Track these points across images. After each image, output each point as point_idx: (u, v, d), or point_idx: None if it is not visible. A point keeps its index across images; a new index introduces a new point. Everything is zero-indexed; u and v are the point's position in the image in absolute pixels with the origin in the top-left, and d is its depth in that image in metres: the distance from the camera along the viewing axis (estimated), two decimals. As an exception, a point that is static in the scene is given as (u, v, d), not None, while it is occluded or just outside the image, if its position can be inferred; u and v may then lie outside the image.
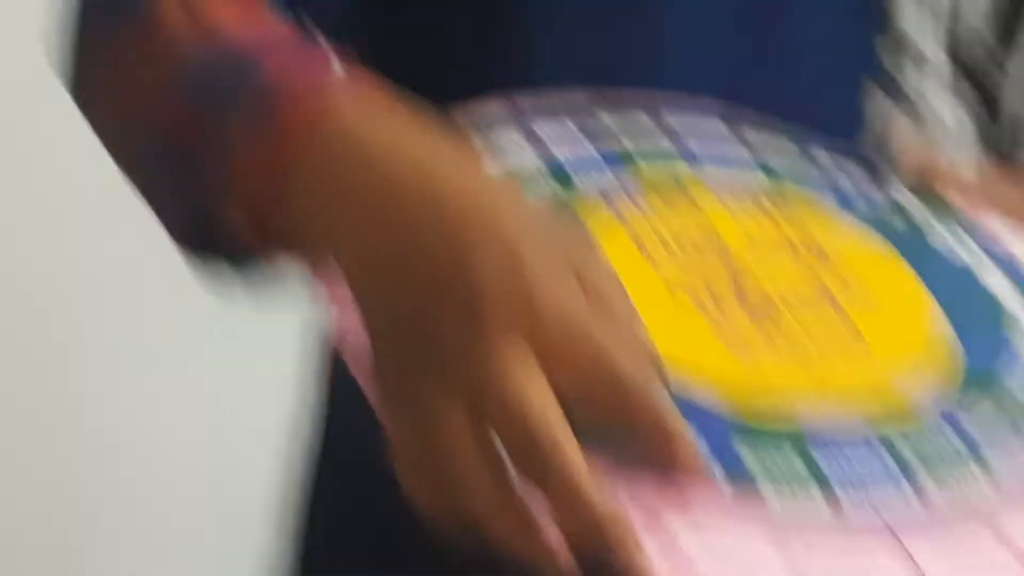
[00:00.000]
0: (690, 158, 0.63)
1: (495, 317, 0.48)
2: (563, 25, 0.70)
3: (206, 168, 0.61)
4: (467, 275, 0.49)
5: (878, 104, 0.73)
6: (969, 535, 0.50)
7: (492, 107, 0.65)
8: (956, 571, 0.48)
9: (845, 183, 0.65)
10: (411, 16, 0.70)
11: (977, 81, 0.74)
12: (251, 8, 0.65)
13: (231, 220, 0.60)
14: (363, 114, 0.57)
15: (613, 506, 0.47)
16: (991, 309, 0.60)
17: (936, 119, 0.73)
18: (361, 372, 0.52)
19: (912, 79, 0.72)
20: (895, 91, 0.73)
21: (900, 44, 0.72)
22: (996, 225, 0.66)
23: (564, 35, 0.70)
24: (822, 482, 0.50)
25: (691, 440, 0.49)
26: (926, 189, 0.67)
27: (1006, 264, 0.63)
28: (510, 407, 0.48)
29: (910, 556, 0.48)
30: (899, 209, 0.65)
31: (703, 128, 0.65)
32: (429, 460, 0.49)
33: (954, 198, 0.67)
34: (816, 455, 0.51)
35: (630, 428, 0.49)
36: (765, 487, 0.49)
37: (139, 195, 0.67)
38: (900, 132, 0.72)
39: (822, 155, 0.67)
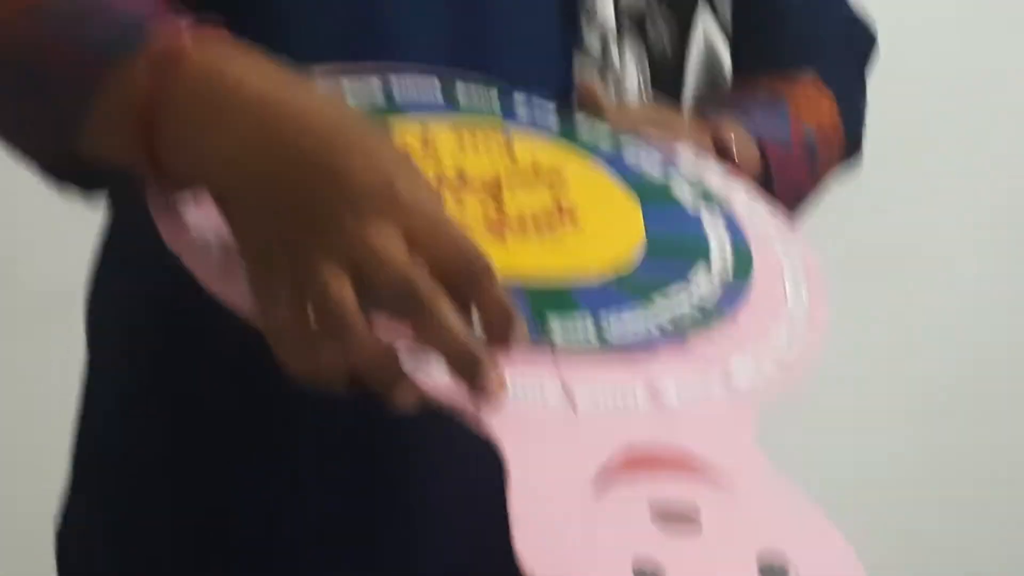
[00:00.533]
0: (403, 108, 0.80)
1: (368, 202, 0.62)
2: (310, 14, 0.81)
3: (72, 91, 0.68)
4: (340, 173, 0.62)
5: (577, 61, 0.87)
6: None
7: None
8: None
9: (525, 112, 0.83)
10: None
11: (640, 32, 0.90)
12: None
13: (89, 144, 0.69)
14: (223, 49, 0.68)
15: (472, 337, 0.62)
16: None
17: (609, 66, 0.88)
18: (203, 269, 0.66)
19: (590, 35, 0.87)
20: (583, 46, 0.87)
21: (587, 11, 0.87)
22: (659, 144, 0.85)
23: (311, 22, 0.81)
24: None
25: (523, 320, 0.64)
26: (590, 113, 0.84)
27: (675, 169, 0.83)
28: (391, 264, 0.61)
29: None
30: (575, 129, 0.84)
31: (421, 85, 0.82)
32: (324, 323, 0.61)
33: (607, 118, 0.84)
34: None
35: (474, 301, 0.62)
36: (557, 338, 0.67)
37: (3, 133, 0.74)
38: (584, 76, 0.87)
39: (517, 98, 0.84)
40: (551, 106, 0.85)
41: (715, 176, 0.84)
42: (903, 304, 2.07)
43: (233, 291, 0.66)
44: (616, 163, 0.82)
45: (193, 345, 0.84)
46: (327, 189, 0.63)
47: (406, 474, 0.83)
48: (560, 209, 0.75)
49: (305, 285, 0.62)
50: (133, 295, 0.87)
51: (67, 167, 0.76)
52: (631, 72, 0.89)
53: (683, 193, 0.81)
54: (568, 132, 0.83)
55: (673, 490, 0.60)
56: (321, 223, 0.62)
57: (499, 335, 0.63)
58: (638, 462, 0.61)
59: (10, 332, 1.85)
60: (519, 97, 0.84)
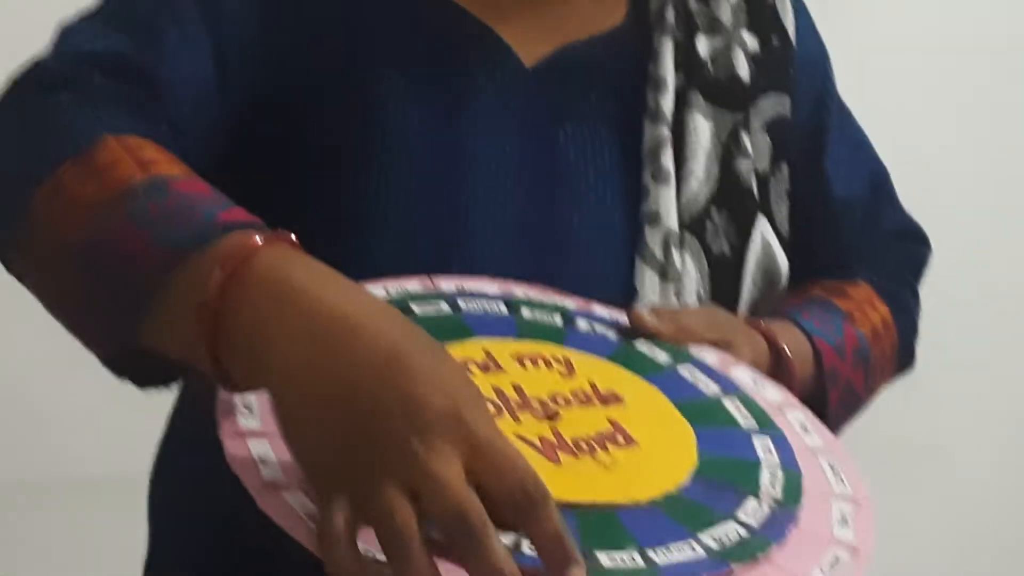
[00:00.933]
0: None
1: (433, 428, 0.62)
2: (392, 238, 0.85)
3: (140, 281, 0.70)
4: (406, 397, 0.63)
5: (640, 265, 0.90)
6: None
7: None
8: None
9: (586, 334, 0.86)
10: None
11: (700, 237, 0.92)
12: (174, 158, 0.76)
13: (150, 337, 0.71)
14: (292, 255, 0.69)
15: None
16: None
17: (671, 269, 0.90)
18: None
19: (652, 239, 0.90)
20: (647, 255, 0.90)
21: (650, 217, 0.90)
22: (714, 357, 0.87)
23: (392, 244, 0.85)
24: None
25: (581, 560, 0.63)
26: (641, 330, 0.86)
27: (731, 386, 0.85)
28: (449, 492, 0.61)
29: None
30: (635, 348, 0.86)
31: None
32: (386, 544, 0.61)
33: (659, 333, 0.86)
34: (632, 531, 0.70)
35: (532, 531, 0.63)
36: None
37: (68, 322, 0.76)
38: (650, 288, 0.90)
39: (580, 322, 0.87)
40: (613, 326, 0.87)
41: (770, 395, 0.86)
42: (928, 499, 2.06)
43: (281, 506, 0.67)
44: (672, 382, 0.83)
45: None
46: (393, 411, 0.63)
47: None
48: (615, 431, 0.77)
49: (367, 504, 0.62)
50: (205, 479, 0.86)
51: (127, 359, 0.77)
52: (691, 275, 0.91)
53: (737, 413, 0.82)
54: (627, 352, 0.85)
55: None
56: (385, 444, 0.63)
57: (556, 568, 0.64)
58: None
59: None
60: (581, 321, 0.86)
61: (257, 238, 0.69)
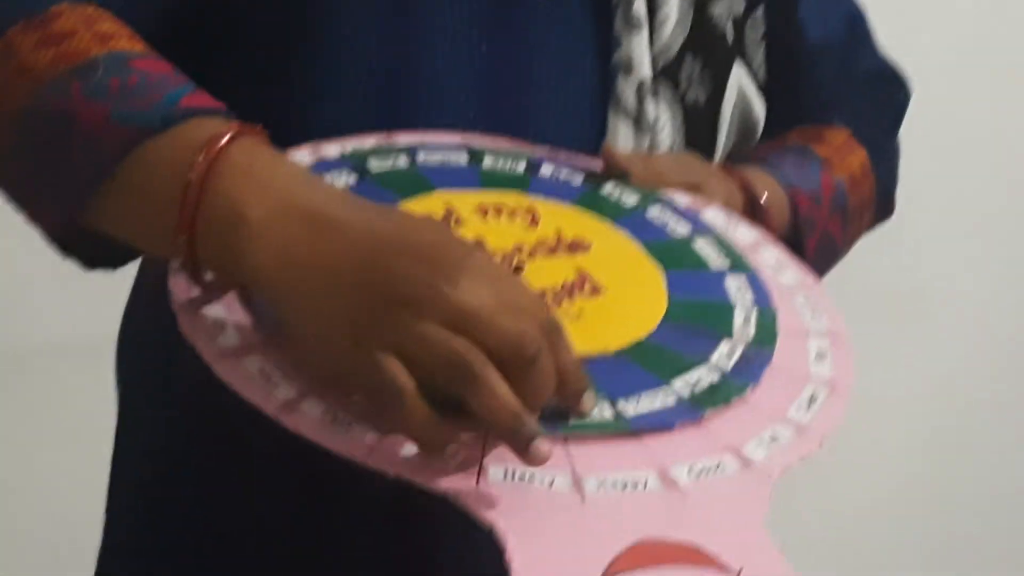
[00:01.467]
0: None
1: (456, 266, 0.62)
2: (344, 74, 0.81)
3: (98, 161, 0.68)
4: (422, 247, 0.63)
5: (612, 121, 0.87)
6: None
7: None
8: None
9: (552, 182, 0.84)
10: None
11: (675, 84, 0.89)
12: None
13: (100, 222, 0.69)
14: (263, 149, 0.68)
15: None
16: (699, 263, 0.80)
17: (643, 117, 0.87)
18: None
19: (626, 87, 0.87)
20: (620, 106, 0.87)
21: (623, 66, 0.87)
22: (685, 200, 0.85)
23: (344, 85, 0.81)
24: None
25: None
26: (615, 176, 0.85)
27: (702, 226, 0.83)
28: (443, 344, 0.61)
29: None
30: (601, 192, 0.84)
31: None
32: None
33: (634, 179, 0.85)
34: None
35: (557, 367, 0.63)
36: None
37: (10, 193, 0.74)
38: (624, 140, 0.87)
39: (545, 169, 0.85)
40: (579, 171, 0.85)
41: (743, 235, 0.84)
42: (914, 348, 2.06)
43: (241, 372, 0.66)
44: (641, 225, 0.82)
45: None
46: (413, 262, 0.63)
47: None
48: (582, 280, 0.75)
49: (418, 350, 0.62)
50: (168, 344, 0.87)
51: (74, 237, 0.75)
52: (665, 125, 0.88)
53: (709, 254, 0.80)
54: (594, 197, 0.83)
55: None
56: (414, 291, 0.62)
57: (572, 395, 0.64)
58: (645, 555, 0.61)
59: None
60: (546, 167, 0.84)
61: (228, 128, 0.68)
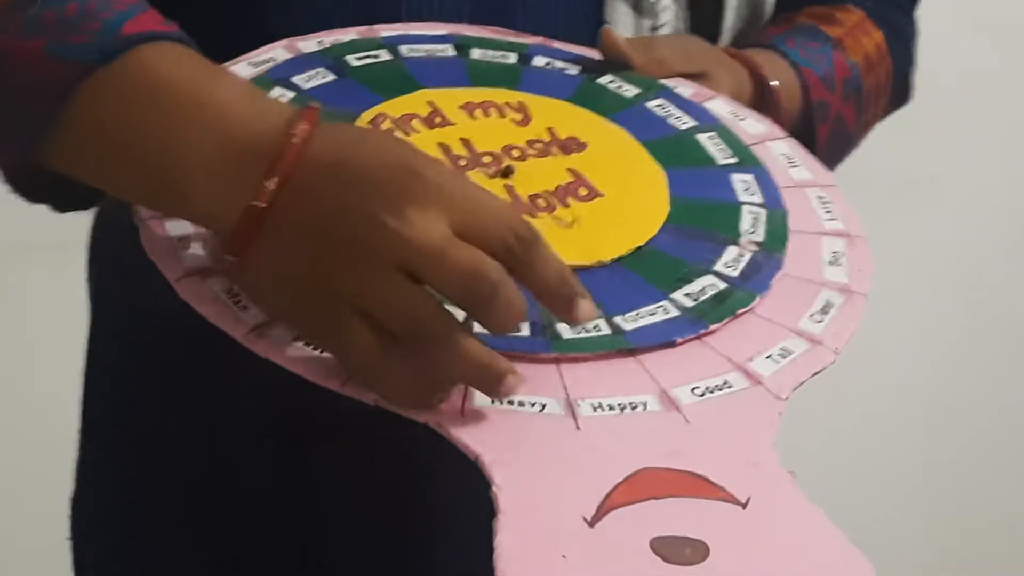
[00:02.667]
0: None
1: (401, 196, 0.56)
2: None
3: (43, 99, 0.62)
4: (358, 173, 0.57)
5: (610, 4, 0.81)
6: None
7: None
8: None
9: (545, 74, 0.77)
10: None
11: None
12: None
13: (54, 164, 0.63)
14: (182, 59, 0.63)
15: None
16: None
17: (647, 5, 0.81)
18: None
19: None
20: None
21: None
22: (689, 90, 0.79)
23: None
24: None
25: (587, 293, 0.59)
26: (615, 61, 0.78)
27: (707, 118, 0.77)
28: (454, 260, 0.56)
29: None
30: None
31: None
32: (414, 340, 0.56)
33: (634, 65, 0.78)
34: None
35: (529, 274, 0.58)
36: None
37: None
38: (623, 24, 0.80)
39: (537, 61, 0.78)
40: (575, 61, 0.79)
41: (751, 127, 0.78)
42: (918, 234, 2.00)
43: (205, 294, 0.61)
44: (641, 118, 0.76)
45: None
46: (351, 202, 0.57)
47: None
48: (577, 182, 0.69)
49: (373, 304, 0.57)
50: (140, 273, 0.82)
51: (36, 181, 0.69)
52: (667, 5, 0.82)
53: (714, 149, 0.75)
54: (590, 90, 0.77)
55: (679, 525, 0.55)
56: (360, 237, 0.56)
57: (565, 308, 0.59)
58: (645, 486, 0.56)
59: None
60: (539, 59, 0.78)
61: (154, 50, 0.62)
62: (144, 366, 0.84)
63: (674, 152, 0.74)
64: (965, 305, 2.06)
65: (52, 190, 0.69)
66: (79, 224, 0.88)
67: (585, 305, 0.59)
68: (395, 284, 0.56)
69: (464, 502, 0.78)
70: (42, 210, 0.74)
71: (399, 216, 0.56)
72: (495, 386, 0.57)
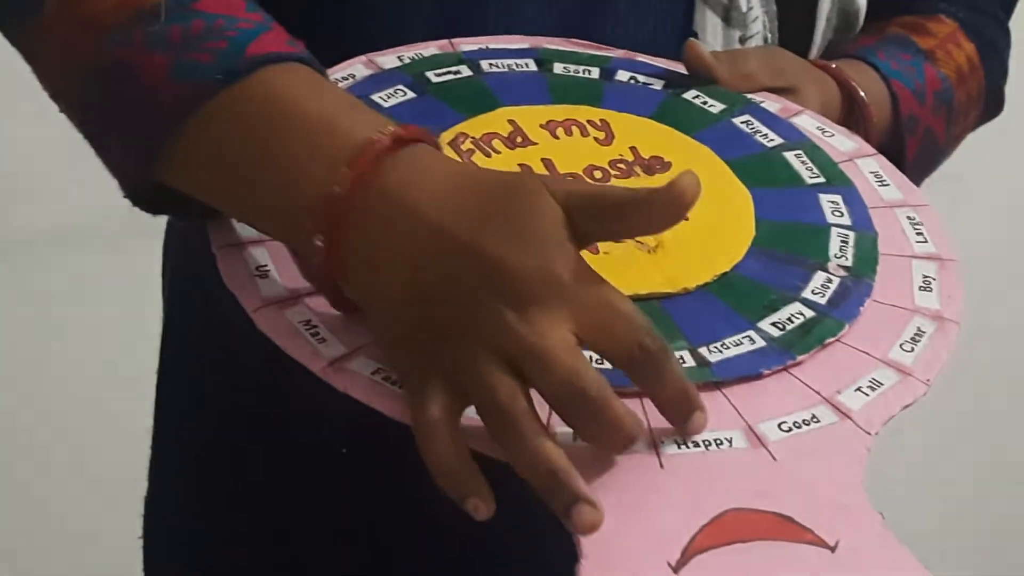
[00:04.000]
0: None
1: (528, 293, 0.55)
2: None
3: (161, 119, 0.62)
4: (491, 259, 0.55)
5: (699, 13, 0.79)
6: None
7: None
8: None
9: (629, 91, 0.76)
10: None
11: None
12: None
13: (171, 181, 0.63)
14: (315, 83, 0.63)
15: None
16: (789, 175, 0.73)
17: (734, 7, 0.79)
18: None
19: None
20: None
21: None
22: (776, 105, 0.78)
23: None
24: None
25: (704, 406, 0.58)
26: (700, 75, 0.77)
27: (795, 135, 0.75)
28: (561, 367, 0.54)
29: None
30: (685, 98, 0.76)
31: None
32: (496, 426, 0.55)
33: (719, 80, 0.77)
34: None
35: (652, 385, 0.57)
36: None
37: (92, 144, 0.68)
38: (712, 34, 0.79)
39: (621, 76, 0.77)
40: (659, 76, 0.77)
41: (839, 144, 0.76)
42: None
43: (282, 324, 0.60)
44: (727, 136, 0.74)
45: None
46: (478, 277, 0.56)
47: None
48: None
49: (464, 384, 0.56)
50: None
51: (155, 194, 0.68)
52: (758, 17, 0.80)
53: (801, 168, 0.73)
54: (674, 106, 0.75)
55: (766, 570, 0.53)
56: (476, 320, 0.55)
57: (680, 419, 0.58)
58: (732, 529, 0.54)
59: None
60: (622, 74, 0.76)
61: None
62: (216, 374, 0.84)
63: (760, 171, 0.72)
64: (994, 301, 2.02)
65: (169, 203, 0.68)
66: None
67: (700, 419, 0.58)
68: (490, 370, 0.55)
69: (533, 520, 0.77)
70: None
71: (520, 313, 0.55)
72: (560, 503, 0.54)
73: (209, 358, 0.84)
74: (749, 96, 0.77)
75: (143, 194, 0.67)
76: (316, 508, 0.82)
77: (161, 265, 0.92)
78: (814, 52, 0.85)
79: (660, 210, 0.58)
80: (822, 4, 0.83)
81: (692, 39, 0.77)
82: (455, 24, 0.76)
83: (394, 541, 0.81)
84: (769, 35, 0.81)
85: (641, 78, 0.77)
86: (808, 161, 0.73)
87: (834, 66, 0.83)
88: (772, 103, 0.78)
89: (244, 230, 0.65)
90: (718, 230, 0.68)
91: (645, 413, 0.59)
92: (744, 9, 0.79)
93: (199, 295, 0.81)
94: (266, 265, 0.63)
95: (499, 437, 0.55)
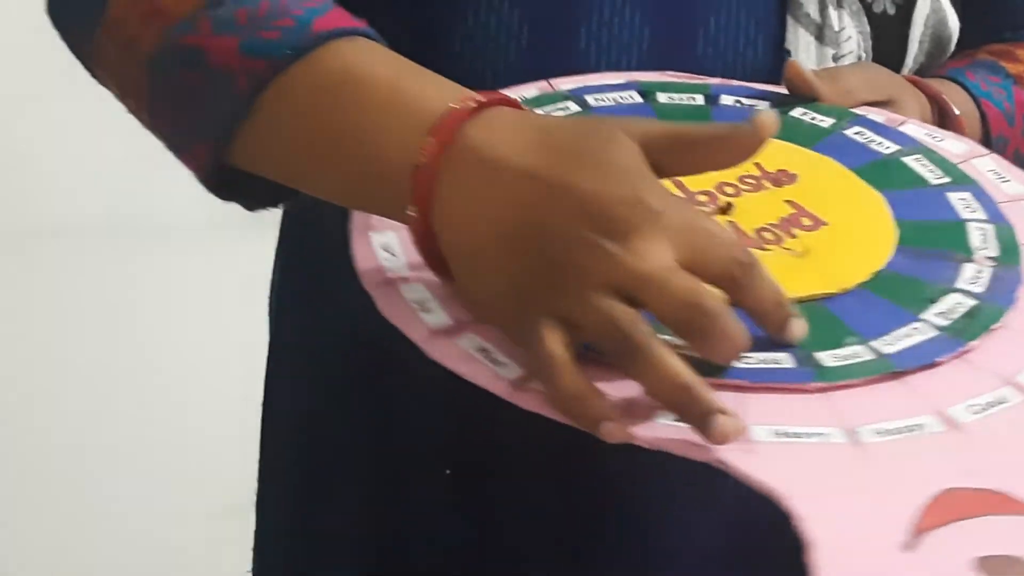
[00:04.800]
0: None
1: (625, 222, 0.55)
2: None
3: (235, 97, 0.63)
4: (584, 195, 0.56)
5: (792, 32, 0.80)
6: None
7: None
8: None
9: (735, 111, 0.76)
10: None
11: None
12: None
13: (245, 162, 0.65)
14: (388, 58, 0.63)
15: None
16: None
17: (827, 26, 0.80)
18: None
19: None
20: (801, 15, 0.79)
21: None
22: (880, 116, 0.78)
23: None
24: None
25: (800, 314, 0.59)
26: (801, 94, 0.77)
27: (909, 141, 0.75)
28: (677, 287, 0.55)
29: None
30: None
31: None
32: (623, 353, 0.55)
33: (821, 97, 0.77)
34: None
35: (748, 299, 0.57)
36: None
37: (160, 138, 0.69)
38: (805, 52, 0.79)
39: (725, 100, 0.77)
40: (762, 97, 0.78)
41: (952, 147, 0.76)
42: None
43: (456, 352, 0.59)
44: (843, 146, 0.74)
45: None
46: (575, 214, 0.56)
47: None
48: (798, 212, 0.67)
49: (581, 320, 0.56)
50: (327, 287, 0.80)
51: (228, 181, 0.70)
52: (852, 36, 0.81)
53: (924, 170, 0.73)
54: (786, 124, 0.74)
55: (997, 543, 0.52)
56: (583, 254, 0.56)
57: (780, 330, 0.59)
58: (953, 507, 0.53)
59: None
60: (726, 98, 0.77)
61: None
62: (326, 381, 0.84)
63: (884, 176, 0.72)
64: None
65: (242, 189, 0.70)
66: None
67: (799, 324, 0.59)
68: (608, 303, 0.55)
69: (643, 538, 0.76)
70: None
71: (623, 243, 0.55)
72: (695, 416, 0.55)
73: (318, 357, 0.85)
74: (854, 110, 0.78)
75: (215, 179, 0.68)
76: (420, 519, 0.81)
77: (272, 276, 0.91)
78: (905, 73, 0.85)
79: (738, 143, 0.60)
80: (915, 26, 0.84)
81: (792, 59, 0.78)
82: (549, 46, 0.76)
83: (496, 562, 0.80)
84: (863, 54, 0.82)
85: (745, 101, 0.77)
86: (928, 163, 0.73)
87: (927, 82, 0.83)
88: (876, 115, 0.78)
89: (391, 262, 0.64)
90: (861, 232, 0.68)
91: (833, 405, 0.58)
92: (836, 28, 0.80)
93: (309, 299, 0.83)
94: (426, 299, 0.62)
95: (629, 364, 0.55)
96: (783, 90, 0.78)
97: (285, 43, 0.63)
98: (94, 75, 0.73)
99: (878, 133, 0.76)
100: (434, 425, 0.79)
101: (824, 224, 0.67)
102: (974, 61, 0.89)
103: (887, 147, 0.74)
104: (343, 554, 0.85)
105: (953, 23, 0.86)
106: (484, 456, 0.79)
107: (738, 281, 0.57)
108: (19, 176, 2.00)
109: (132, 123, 0.72)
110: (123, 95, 0.70)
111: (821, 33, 0.79)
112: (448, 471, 0.80)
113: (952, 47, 0.88)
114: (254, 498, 0.91)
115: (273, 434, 0.90)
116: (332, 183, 0.64)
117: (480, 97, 0.61)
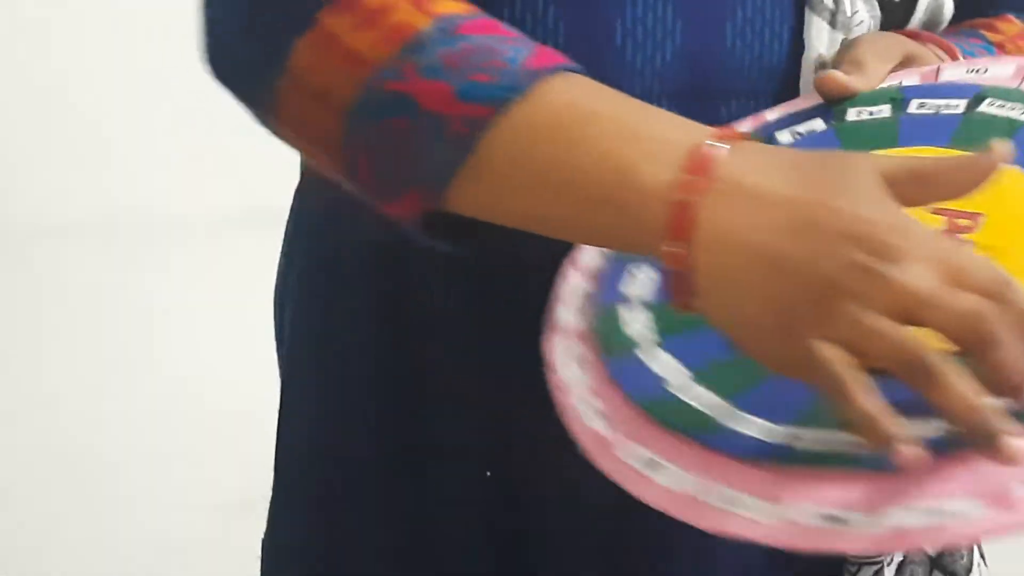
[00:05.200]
0: None
1: (896, 246, 0.57)
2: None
3: (452, 141, 0.63)
4: (849, 223, 0.58)
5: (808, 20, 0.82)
6: None
7: None
8: None
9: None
10: None
11: None
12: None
13: (461, 205, 0.65)
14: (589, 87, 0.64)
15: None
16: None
17: (840, 11, 0.82)
18: None
19: None
20: (816, 3, 0.82)
21: None
22: (914, 77, 0.78)
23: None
24: None
25: None
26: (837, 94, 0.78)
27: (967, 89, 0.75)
28: (947, 300, 0.57)
29: None
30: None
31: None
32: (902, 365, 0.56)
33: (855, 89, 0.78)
34: None
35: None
36: None
37: (357, 188, 0.68)
38: (818, 38, 0.82)
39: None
40: (815, 114, 0.79)
41: (999, 71, 0.78)
42: None
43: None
44: (920, 128, 0.75)
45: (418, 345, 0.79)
46: (843, 236, 0.58)
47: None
48: (948, 215, 0.69)
49: (856, 341, 0.57)
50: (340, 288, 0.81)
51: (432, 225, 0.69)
52: (863, 19, 0.84)
53: (1012, 112, 0.73)
54: (843, 129, 0.77)
55: None
56: (857, 278, 0.57)
57: None
58: None
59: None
60: (783, 134, 0.78)
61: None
62: (345, 388, 0.84)
63: (983, 135, 0.69)
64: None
65: (447, 231, 0.69)
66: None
67: None
68: (893, 327, 0.57)
69: None
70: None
71: (897, 268, 0.57)
72: (986, 436, 0.56)
73: (331, 368, 0.84)
74: (891, 86, 0.79)
75: (423, 225, 0.67)
76: (456, 513, 0.82)
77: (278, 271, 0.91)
78: None
79: (970, 174, 0.61)
80: (918, 11, 0.88)
81: (830, 72, 0.79)
82: (586, 43, 0.77)
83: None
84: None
85: (801, 128, 0.78)
86: (1006, 103, 0.74)
87: (924, 34, 0.86)
88: (911, 77, 0.79)
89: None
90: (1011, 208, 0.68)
91: None
92: (849, 13, 0.82)
93: (332, 292, 0.83)
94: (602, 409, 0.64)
95: (925, 385, 0.56)
96: (812, 100, 0.80)
97: (503, 85, 0.64)
98: (268, 126, 0.72)
99: (931, 96, 0.77)
100: (461, 427, 0.80)
101: (979, 216, 0.68)
102: (956, 32, 0.93)
103: (955, 105, 0.75)
104: (359, 558, 0.84)
105: (948, 8, 0.91)
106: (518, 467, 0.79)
107: (1003, 303, 0.58)
108: (19, 176, 1.96)
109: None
110: (310, 145, 0.70)
111: (834, 19, 0.82)
112: (488, 473, 0.80)
113: (945, 23, 0.92)
114: (256, 494, 0.89)
115: (289, 436, 0.89)
116: (563, 221, 0.64)
117: (719, 131, 0.62)
